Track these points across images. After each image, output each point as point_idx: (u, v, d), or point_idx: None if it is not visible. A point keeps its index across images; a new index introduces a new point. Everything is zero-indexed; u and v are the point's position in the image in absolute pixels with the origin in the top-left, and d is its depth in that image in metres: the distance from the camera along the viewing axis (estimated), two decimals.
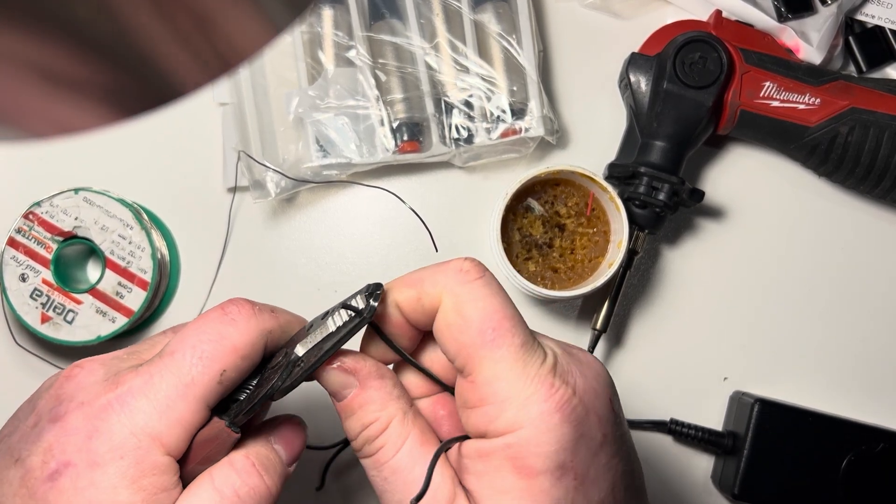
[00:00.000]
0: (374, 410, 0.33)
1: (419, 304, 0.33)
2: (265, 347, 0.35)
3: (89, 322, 0.53)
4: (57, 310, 0.53)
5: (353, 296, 0.34)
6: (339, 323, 0.33)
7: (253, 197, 0.55)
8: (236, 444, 0.35)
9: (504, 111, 0.55)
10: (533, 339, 0.32)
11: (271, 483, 0.35)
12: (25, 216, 0.53)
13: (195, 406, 0.32)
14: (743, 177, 0.59)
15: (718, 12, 0.56)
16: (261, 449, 0.35)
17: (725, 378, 0.58)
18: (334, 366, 0.34)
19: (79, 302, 0.53)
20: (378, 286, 0.33)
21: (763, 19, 0.56)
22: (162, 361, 0.33)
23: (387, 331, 0.35)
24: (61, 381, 0.34)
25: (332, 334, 0.33)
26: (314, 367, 0.33)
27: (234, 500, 0.33)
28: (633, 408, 0.57)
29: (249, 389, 0.35)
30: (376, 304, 0.33)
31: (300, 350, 0.34)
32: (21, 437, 0.33)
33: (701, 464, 0.57)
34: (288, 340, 0.36)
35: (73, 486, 0.31)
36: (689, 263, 0.59)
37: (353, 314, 0.33)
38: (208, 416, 0.33)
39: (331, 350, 0.33)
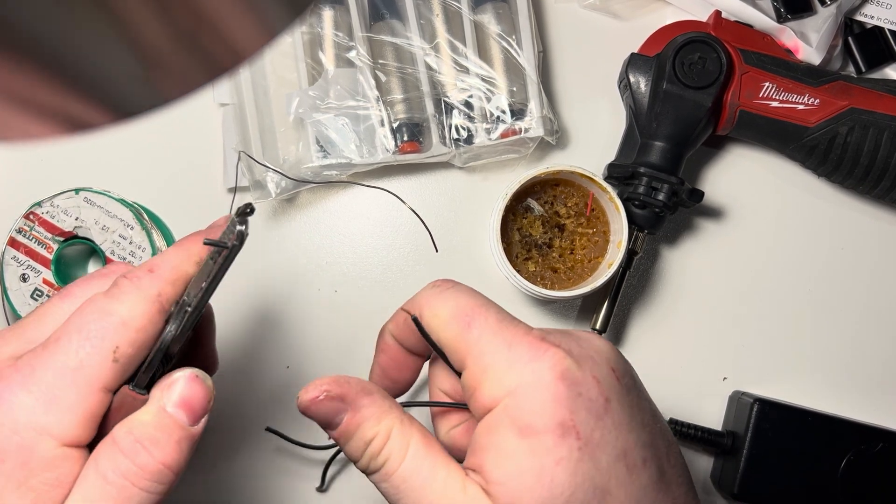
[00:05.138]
0: (372, 426, 0.33)
1: (406, 325, 0.35)
2: (162, 310, 0.33)
3: None
4: None
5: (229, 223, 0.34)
6: (216, 257, 0.33)
7: (253, 197, 0.55)
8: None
9: (504, 112, 0.55)
10: (512, 316, 0.33)
11: (166, 454, 0.31)
12: (26, 216, 0.53)
13: (88, 389, 0.30)
14: (742, 177, 0.59)
15: (718, 13, 0.56)
16: (148, 418, 0.31)
17: (725, 378, 0.58)
18: (320, 397, 0.32)
19: None
20: (247, 205, 0.33)
21: (762, 20, 0.56)
22: (45, 350, 0.31)
23: (385, 363, 0.37)
24: None
25: (209, 270, 0.33)
26: (201, 308, 0.33)
27: (122, 483, 0.30)
28: None
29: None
30: (244, 228, 0.32)
31: (187, 295, 0.33)
32: None
33: (700, 463, 0.57)
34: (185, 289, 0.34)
35: None
36: (688, 263, 0.59)
37: (225, 245, 0.33)
38: (111, 397, 0.31)
39: (211, 287, 0.33)
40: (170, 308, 0.33)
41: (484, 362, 0.31)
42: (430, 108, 0.55)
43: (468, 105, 0.55)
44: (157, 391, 0.32)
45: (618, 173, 0.54)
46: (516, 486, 0.30)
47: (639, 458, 0.31)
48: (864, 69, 0.59)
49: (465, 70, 0.55)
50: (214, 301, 0.58)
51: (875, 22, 0.59)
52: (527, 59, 0.55)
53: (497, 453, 0.30)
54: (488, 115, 0.55)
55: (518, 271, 0.52)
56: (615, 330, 0.58)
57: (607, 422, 0.31)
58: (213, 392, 0.33)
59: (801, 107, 0.54)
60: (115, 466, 0.30)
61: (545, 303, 0.58)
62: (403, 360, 0.36)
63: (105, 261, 0.53)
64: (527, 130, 0.55)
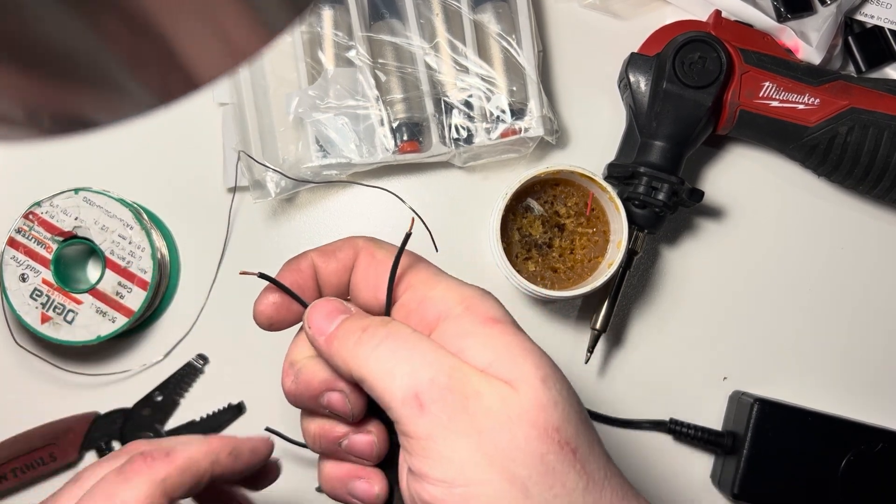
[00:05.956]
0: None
1: (335, 259, 0.37)
2: (165, 493, 0.34)
3: (89, 322, 0.53)
4: (57, 310, 0.53)
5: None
6: None
7: (253, 197, 0.55)
8: None
9: (504, 111, 0.55)
10: None
11: None
12: (25, 216, 0.53)
13: None
14: (742, 177, 0.59)
15: (718, 12, 0.56)
16: None
17: (725, 378, 0.58)
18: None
19: (79, 302, 0.53)
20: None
21: (762, 19, 0.56)
22: None
23: (288, 284, 0.38)
24: None
25: None
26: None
27: None
28: (633, 407, 0.57)
29: None
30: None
31: None
32: None
33: (700, 463, 0.57)
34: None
35: None
36: (688, 263, 0.59)
37: None
38: None
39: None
40: (173, 492, 0.35)
41: (434, 281, 0.36)
42: (429, 107, 0.55)
43: (468, 105, 0.55)
44: None
45: (618, 173, 0.54)
46: (508, 361, 0.32)
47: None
48: (864, 69, 0.58)
49: (465, 69, 0.55)
50: (215, 300, 0.58)
51: (875, 21, 0.59)
52: (526, 59, 0.55)
53: (475, 339, 0.32)
54: (488, 115, 0.55)
55: (518, 271, 0.52)
56: (615, 330, 0.58)
57: None
58: None
59: (801, 106, 0.54)
60: None
61: (545, 303, 0.58)
62: (305, 291, 0.38)
63: (104, 260, 0.53)
64: (527, 130, 0.55)
